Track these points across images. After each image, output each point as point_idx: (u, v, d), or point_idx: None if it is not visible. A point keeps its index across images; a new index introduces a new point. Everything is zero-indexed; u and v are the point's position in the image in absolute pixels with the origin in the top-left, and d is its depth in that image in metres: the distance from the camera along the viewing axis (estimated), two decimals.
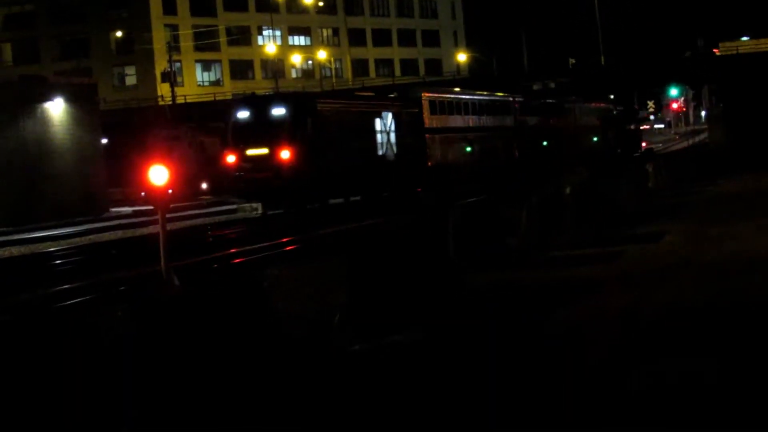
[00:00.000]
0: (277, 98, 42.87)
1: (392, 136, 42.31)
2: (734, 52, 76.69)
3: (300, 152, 35.60)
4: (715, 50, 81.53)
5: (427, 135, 46.17)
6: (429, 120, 46.53)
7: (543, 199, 21.43)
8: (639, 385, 9.23)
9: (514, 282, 15.93)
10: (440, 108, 48.45)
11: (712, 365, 9.71)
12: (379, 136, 41.54)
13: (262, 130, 36.20)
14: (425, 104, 46.55)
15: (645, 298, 13.71)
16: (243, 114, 37.23)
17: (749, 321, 11.64)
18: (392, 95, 48.67)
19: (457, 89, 57.17)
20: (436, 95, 49.51)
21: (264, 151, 35.94)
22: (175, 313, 10.28)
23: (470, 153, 51.06)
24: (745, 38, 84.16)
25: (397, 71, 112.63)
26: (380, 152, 41.54)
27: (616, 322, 12.16)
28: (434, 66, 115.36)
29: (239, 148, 36.43)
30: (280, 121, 36.52)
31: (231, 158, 36.64)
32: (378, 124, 41.60)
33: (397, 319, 12.31)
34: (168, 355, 9.74)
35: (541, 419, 8.58)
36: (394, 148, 42.34)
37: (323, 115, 37.94)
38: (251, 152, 36.20)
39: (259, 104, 38.70)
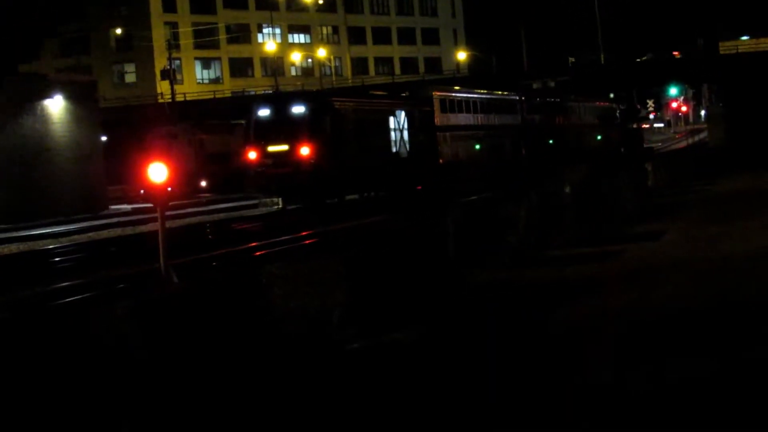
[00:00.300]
0: (297, 97, 44.03)
1: (405, 133, 43.46)
2: (734, 51, 76.79)
3: (319, 149, 36.83)
4: (676, 53, 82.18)
5: (438, 133, 47.07)
6: (440, 118, 47.46)
7: (543, 197, 21.41)
8: (639, 384, 9.23)
9: (514, 280, 15.93)
10: (450, 106, 49.35)
11: (712, 365, 9.71)
12: (392, 134, 42.77)
13: (283, 127, 37.34)
14: (436, 103, 47.54)
15: (645, 298, 13.71)
16: (264, 112, 38.44)
17: (749, 320, 11.63)
18: (404, 94, 49.62)
19: (457, 87, 57.51)
20: (446, 94, 50.37)
21: (284, 147, 37.01)
22: (174, 311, 10.27)
23: (480, 150, 51.84)
24: (744, 37, 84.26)
25: (397, 69, 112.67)
26: (394, 149, 42.72)
27: (616, 322, 12.15)
28: (434, 64, 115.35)
29: (260, 144, 37.56)
30: (300, 118, 37.66)
31: (252, 154, 37.71)
32: (392, 122, 42.84)
33: (397, 318, 12.31)
34: (167, 352, 9.73)
35: (541, 419, 8.58)
36: (407, 146, 43.51)
37: (341, 113, 39.11)
38: (272, 149, 37.26)
39: (279, 103, 40.14)
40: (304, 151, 36.62)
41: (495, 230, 19.13)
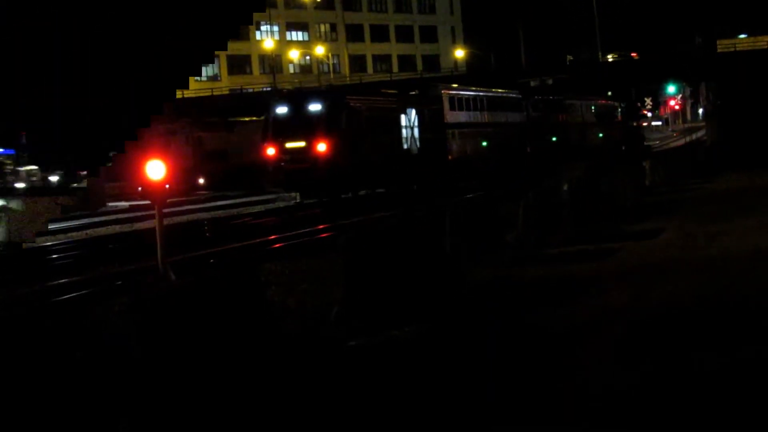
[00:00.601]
0: (314, 94, 45.25)
1: (415, 131, 44.78)
2: (732, 49, 76.88)
3: (335, 145, 38.32)
4: (634, 54, 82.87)
5: (447, 130, 48.20)
6: (449, 116, 48.60)
7: (543, 195, 21.41)
8: (639, 383, 9.21)
9: (512, 278, 15.91)
10: (459, 104, 50.56)
11: (712, 364, 9.69)
12: (404, 131, 44.22)
13: (300, 124, 38.56)
14: (445, 101, 48.81)
15: (644, 296, 13.70)
16: (281, 109, 39.77)
17: (748, 319, 11.62)
18: (413, 92, 50.68)
19: (456, 85, 57.92)
20: (455, 92, 51.62)
21: (302, 144, 38.29)
22: (171, 308, 10.25)
23: (486, 147, 52.86)
24: (742, 36, 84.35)
25: (395, 67, 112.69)
26: (405, 146, 43.97)
27: (616, 320, 12.13)
28: (432, 62, 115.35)
29: (278, 141, 38.82)
30: (316, 116, 38.93)
31: (271, 150, 38.97)
32: (403, 119, 44.22)
33: (395, 315, 12.28)
34: (163, 350, 9.70)
35: (541, 417, 8.56)
36: (417, 143, 44.82)
37: (356, 111, 40.38)
38: (290, 145, 38.55)
39: (296, 100, 41.39)
40: (321, 147, 38.18)
41: (496, 228, 19.14)
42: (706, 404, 8.46)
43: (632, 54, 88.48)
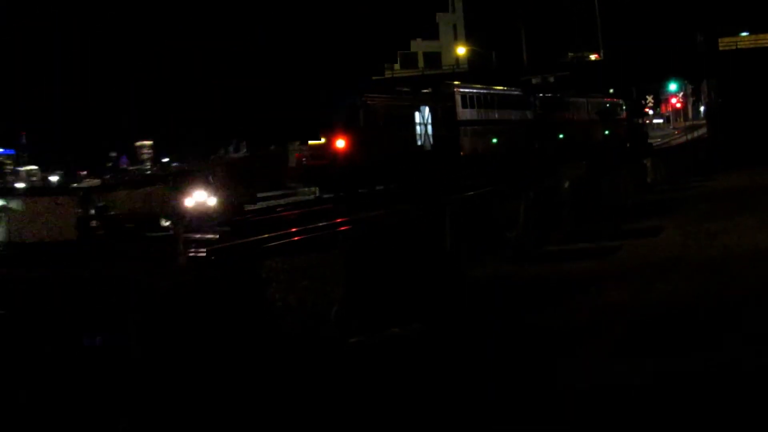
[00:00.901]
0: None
1: (429, 128, 45.72)
2: (734, 47, 76.87)
3: (353, 142, 39.53)
4: (596, 55, 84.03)
5: (459, 127, 49.08)
6: (461, 113, 49.48)
7: (546, 193, 21.41)
8: (637, 382, 9.21)
9: (513, 277, 15.91)
10: (470, 102, 51.52)
11: (712, 363, 9.69)
12: (418, 128, 45.41)
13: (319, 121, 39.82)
14: (458, 98, 49.77)
15: (643, 295, 13.68)
16: None
17: (748, 317, 11.61)
18: (426, 90, 51.48)
19: (459, 82, 58.31)
20: (467, 90, 52.68)
21: (321, 141, 39.58)
22: (171, 307, 10.26)
23: (497, 144, 53.62)
24: (744, 34, 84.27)
25: (396, 65, 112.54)
26: (419, 143, 45.00)
27: (615, 319, 12.12)
28: (433, 59, 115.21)
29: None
30: (335, 113, 40.13)
31: None
32: (417, 117, 45.42)
33: (396, 312, 12.28)
34: (163, 349, 9.71)
35: (541, 417, 8.55)
36: (431, 140, 45.86)
37: (372, 109, 41.52)
38: (310, 142, 40.12)
39: None
40: (340, 144, 39.06)
41: (497, 226, 19.13)
42: (706, 403, 8.46)
43: (594, 54, 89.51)
